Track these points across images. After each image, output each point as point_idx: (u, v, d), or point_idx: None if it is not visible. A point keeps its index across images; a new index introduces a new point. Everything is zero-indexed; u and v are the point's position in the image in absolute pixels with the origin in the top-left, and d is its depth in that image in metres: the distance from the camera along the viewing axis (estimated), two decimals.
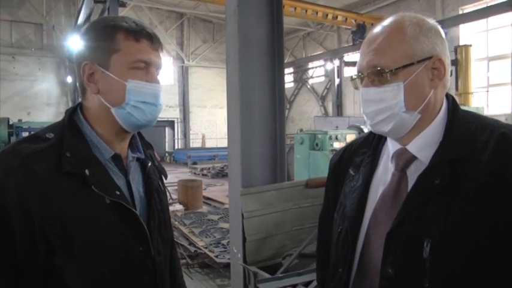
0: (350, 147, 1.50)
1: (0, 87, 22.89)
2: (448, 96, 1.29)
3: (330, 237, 1.45)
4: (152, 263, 1.39)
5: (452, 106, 1.26)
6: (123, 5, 12.00)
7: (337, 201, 1.44)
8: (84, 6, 13.86)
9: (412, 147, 1.24)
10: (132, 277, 1.35)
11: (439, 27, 1.25)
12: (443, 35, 1.25)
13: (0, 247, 1.18)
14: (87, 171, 1.25)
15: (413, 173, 1.22)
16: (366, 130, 10.14)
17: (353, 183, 1.37)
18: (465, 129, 1.18)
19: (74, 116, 1.37)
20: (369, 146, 1.40)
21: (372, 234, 1.26)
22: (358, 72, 1.28)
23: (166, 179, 1.65)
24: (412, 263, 1.13)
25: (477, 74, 16.63)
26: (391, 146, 1.31)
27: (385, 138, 1.36)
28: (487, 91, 17.44)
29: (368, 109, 1.25)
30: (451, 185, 1.11)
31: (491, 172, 1.08)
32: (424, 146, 1.22)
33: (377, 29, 1.25)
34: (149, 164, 1.50)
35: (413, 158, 1.24)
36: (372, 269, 1.23)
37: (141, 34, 1.33)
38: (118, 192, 1.30)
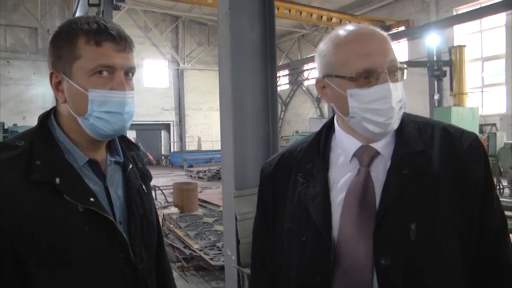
0: (289, 155, 1.48)
1: None
2: None
3: (267, 253, 1.48)
4: (133, 270, 1.33)
5: None
6: (118, 8, 11.95)
7: (281, 212, 1.42)
8: (78, 9, 13.82)
9: (378, 144, 1.32)
10: (111, 286, 1.29)
11: None
12: None
13: None
14: (57, 179, 1.20)
15: (375, 168, 1.32)
16: None
17: (309, 190, 1.35)
18: (413, 127, 1.34)
19: (47, 121, 1.33)
20: (316, 152, 1.40)
21: (347, 231, 1.28)
22: (377, 68, 1.23)
23: (150, 181, 1.59)
24: (403, 248, 1.21)
25: (471, 74, 16.71)
26: (348, 146, 1.35)
27: (330, 143, 1.41)
28: (482, 91, 17.52)
29: (396, 104, 1.24)
30: (417, 173, 1.25)
31: (444, 158, 1.26)
32: (386, 143, 1.32)
33: (375, 30, 1.29)
34: (130, 167, 1.43)
35: (376, 154, 1.32)
36: (358, 264, 1.25)
37: (101, 36, 1.23)
38: (92, 199, 1.24)
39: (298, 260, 1.35)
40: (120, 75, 1.27)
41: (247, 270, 3.22)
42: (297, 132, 16.05)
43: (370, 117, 1.25)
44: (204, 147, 28.07)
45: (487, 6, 14.66)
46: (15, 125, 19.75)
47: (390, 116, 1.24)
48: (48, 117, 1.34)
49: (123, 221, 1.35)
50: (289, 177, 1.43)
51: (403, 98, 1.28)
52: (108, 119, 1.25)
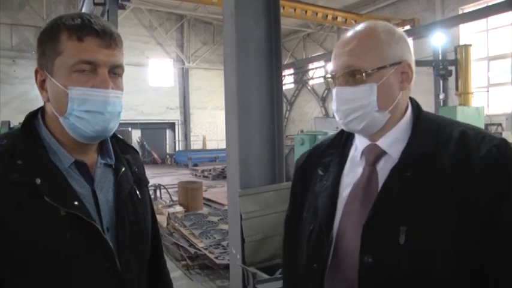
0: (317, 149, 1.57)
1: (0, 90, 22.92)
2: (412, 100, 1.39)
3: (297, 238, 1.51)
4: (120, 281, 1.25)
5: (417, 108, 1.37)
6: (123, 7, 11.98)
7: (304, 202, 1.51)
8: (83, 8, 13.84)
9: (383, 143, 1.33)
10: None
11: (407, 37, 1.36)
12: (409, 45, 1.36)
13: None
14: (38, 180, 1.13)
15: (382, 167, 1.32)
16: None
17: (323, 183, 1.44)
18: (430, 128, 1.30)
19: (33, 120, 1.28)
20: (337, 147, 1.48)
21: (346, 225, 1.33)
22: (332, 72, 1.36)
23: (146, 186, 1.50)
24: (389, 249, 1.21)
25: (477, 73, 16.63)
26: (359, 143, 1.40)
27: (353, 139, 1.45)
28: (487, 91, 17.44)
29: (342, 107, 1.33)
30: (421, 177, 1.22)
31: (455, 164, 1.19)
32: (393, 142, 1.32)
33: (351, 33, 1.33)
34: (122, 170, 1.34)
35: (383, 153, 1.33)
36: (348, 259, 1.29)
37: (83, 31, 1.16)
38: (76, 203, 1.16)
39: (306, 248, 1.43)
40: (103, 72, 1.19)
41: (252, 269, 3.23)
42: (301, 131, 16.01)
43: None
44: (209, 146, 28.06)
45: (493, 5, 14.57)
46: (20, 123, 19.80)
47: (343, 117, 1.33)
48: (35, 117, 1.29)
49: (110, 227, 1.27)
50: (314, 170, 1.50)
51: (361, 101, 1.28)
52: (89, 119, 1.18)
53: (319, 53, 25.55)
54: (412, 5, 19.84)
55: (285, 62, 26.49)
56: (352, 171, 1.39)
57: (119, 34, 1.25)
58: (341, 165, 1.42)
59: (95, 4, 11.87)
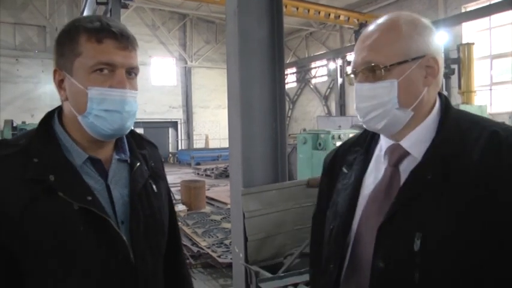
0: (344, 146, 1.51)
1: (4, 89, 22.97)
2: (441, 95, 1.30)
3: (322, 235, 1.45)
4: (133, 272, 1.29)
5: (445, 105, 1.27)
6: (125, 6, 12.02)
7: (330, 199, 1.45)
8: (86, 8, 13.87)
9: (406, 143, 1.25)
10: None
11: (433, 27, 1.26)
12: (436, 35, 1.26)
13: None
14: (52, 177, 1.19)
15: (405, 169, 1.23)
16: None
17: (346, 181, 1.39)
18: (457, 127, 1.19)
19: (50, 120, 1.33)
20: (362, 144, 1.42)
21: (364, 228, 1.27)
22: (353, 68, 1.29)
23: (163, 180, 1.54)
24: (402, 256, 1.14)
25: (480, 72, 16.58)
26: (384, 142, 1.33)
27: (378, 137, 1.38)
28: (490, 89, 17.40)
29: (361, 105, 1.27)
30: (442, 181, 1.13)
31: (481, 169, 1.09)
32: (417, 142, 1.23)
33: (372, 26, 1.26)
34: (137, 165, 1.39)
35: (406, 154, 1.25)
36: (364, 262, 1.24)
37: (102, 33, 1.22)
38: (89, 198, 1.21)
39: (326, 247, 1.40)
40: (120, 73, 1.24)
41: (255, 268, 3.24)
42: (304, 130, 15.97)
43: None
44: (212, 145, 28.08)
45: (495, 3, 14.55)
46: (23, 122, 19.85)
47: (362, 115, 1.27)
48: (52, 116, 1.34)
49: (125, 221, 1.31)
50: (339, 167, 1.45)
51: (381, 98, 1.22)
52: (107, 118, 1.23)
53: (322, 52, 25.54)
54: (414, 3, 19.80)
55: (288, 61, 26.51)
56: (376, 171, 1.33)
57: (135, 37, 1.30)
58: (365, 164, 1.37)
59: (98, 3, 11.90)
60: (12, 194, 1.16)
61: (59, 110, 1.35)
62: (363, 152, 1.39)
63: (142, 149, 1.48)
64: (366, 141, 1.41)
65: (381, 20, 1.26)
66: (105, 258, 1.24)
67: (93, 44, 1.21)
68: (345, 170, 1.42)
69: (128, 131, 1.32)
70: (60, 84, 1.28)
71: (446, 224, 1.09)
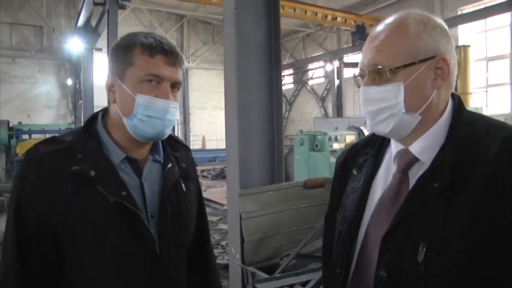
0: (356, 147, 1.47)
1: (0, 89, 22.90)
2: (454, 97, 1.24)
3: (333, 237, 1.42)
4: (158, 264, 1.42)
5: (458, 107, 1.21)
6: (123, 7, 11.96)
7: (341, 201, 1.41)
8: (84, 8, 13.86)
9: (415, 148, 1.20)
10: (132, 277, 1.40)
11: (445, 25, 1.21)
12: (449, 34, 1.21)
13: (14, 237, 1.34)
14: (92, 172, 1.33)
15: (415, 175, 1.19)
16: (365, 131, 10.15)
17: (355, 184, 1.35)
18: (469, 132, 1.14)
19: (94, 121, 1.48)
20: (373, 146, 1.37)
21: (371, 235, 1.24)
22: (360, 70, 1.24)
23: (192, 181, 1.67)
24: (406, 266, 1.11)
25: (476, 74, 16.64)
26: (394, 147, 1.28)
27: (389, 140, 1.32)
28: (486, 91, 17.45)
29: (368, 108, 1.23)
30: (450, 189, 1.08)
31: (492, 178, 1.04)
32: (426, 147, 1.18)
33: (380, 26, 1.22)
34: (169, 166, 1.53)
35: (415, 160, 1.20)
36: (369, 270, 1.21)
37: (155, 49, 1.36)
38: (124, 193, 1.36)
39: (334, 249, 1.39)
40: (166, 86, 1.38)
41: (251, 269, 3.24)
42: (301, 131, 16.00)
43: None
44: (209, 146, 28.03)
45: (491, 6, 14.61)
46: (20, 123, 19.73)
47: (369, 119, 1.24)
48: (95, 117, 1.49)
49: (154, 215, 1.45)
50: (350, 169, 1.41)
51: (388, 102, 1.17)
52: (149, 122, 1.37)
53: (319, 53, 25.57)
54: (411, 5, 19.84)
55: (285, 62, 26.50)
56: (386, 176, 1.28)
57: (182, 55, 1.45)
58: (375, 167, 1.33)
59: (95, 4, 11.87)
60: (60, 184, 1.32)
61: (103, 112, 1.50)
62: (374, 154, 1.35)
63: (176, 151, 1.63)
64: (376, 142, 1.37)
65: (389, 20, 1.22)
66: (134, 248, 1.38)
67: (146, 57, 1.36)
68: (355, 172, 1.38)
69: (166, 136, 1.47)
70: (110, 88, 1.43)
71: (452, 235, 1.05)
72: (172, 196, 1.51)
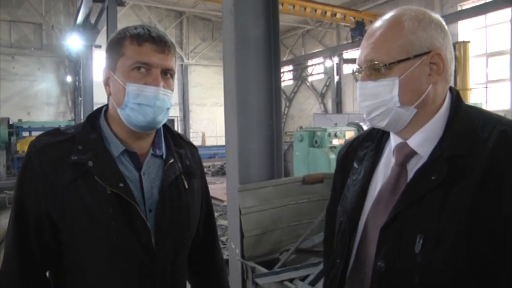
0: (357, 140, 1.49)
1: (0, 87, 22.89)
2: (453, 91, 1.27)
3: (334, 229, 1.45)
4: (152, 258, 1.42)
5: (456, 101, 1.24)
6: (122, 4, 11.97)
7: (342, 193, 1.44)
8: (83, 5, 13.84)
9: (413, 142, 1.23)
10: (125, 269, 1.41)
11: (442, 21, 1.23)
12: (446, 29, 1.23)
13: (16, 223, 1.39)
14: (90, 163, 1.37)
15: (413, 168, 1.21)
16: (365, 127, 10.15)
17: (355, 176, 1.38)
18: (466, 126, 1.16)
19: (97, 114, 1.52)
20: (373, 139, 1.41)
21: (370, 227, 1.27)
22: (358, 65, 1.28)
23: (196, 178, 1.68)
24: (403, 257, 1.14)
25: (476, 70, 16.63)
26: (393, 140, 1.31)
27: (389, 132, 1.35)
28: (486, 87, 17.45)
29: (364, 103, 1.26)
30: (447, 182, 1.10)
31: (488, 170, 1.06)
32: (424, 141, 1.21)
33: (377, 23, 1.25)
34: (170, 161, 1.54)
35: (413, 153, 1.23)
36: (367, 261, 1.24)
37: (143, 37, 1.39)
38: (121, 185, 1.38)
39: (335, 240, 1.41)
40: (155, 73, 1.40)
41: (251, 263, 3.26)
42: (300, 127, 16.02)
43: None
44: (208, 143, 27.99)
45: (491, 1, 14.58)
46: (20, 120, 19.71)
47: (366, 113, 1.27)
48: (99, 111, 1.54)
49: (153, 209, 1.46)
50: (350, 162, 1.44)
51: (383, 96, 1.21)
52: (140, 111, 1.39)
53: (318, 50, 25.54)
54: (411, 1, 19.80)
55: (284, 59, 26.48)
56: (385, 169, 1.31)
57: (173, 43, 1.47)
58: (375, 160, 1.35)
59: (94, 1, 11.87)
60: (58, 173, 1.36)
61: (106, 107, 1.54)
62: (374, 147, 1.38)
63: (180, 148, 1.64)
64: (377, 136, 1.40)
65: (385, 17, 1.25)
66: (129, 240, 1.39)
67: (134, 46, 1.39)
68: (355, 165, 1.41)
69: (160, 124, 1.48)
70: (107, 81, 1.47)
71: (449, 227, 1.07)
72: (173, 192, 1.51)
